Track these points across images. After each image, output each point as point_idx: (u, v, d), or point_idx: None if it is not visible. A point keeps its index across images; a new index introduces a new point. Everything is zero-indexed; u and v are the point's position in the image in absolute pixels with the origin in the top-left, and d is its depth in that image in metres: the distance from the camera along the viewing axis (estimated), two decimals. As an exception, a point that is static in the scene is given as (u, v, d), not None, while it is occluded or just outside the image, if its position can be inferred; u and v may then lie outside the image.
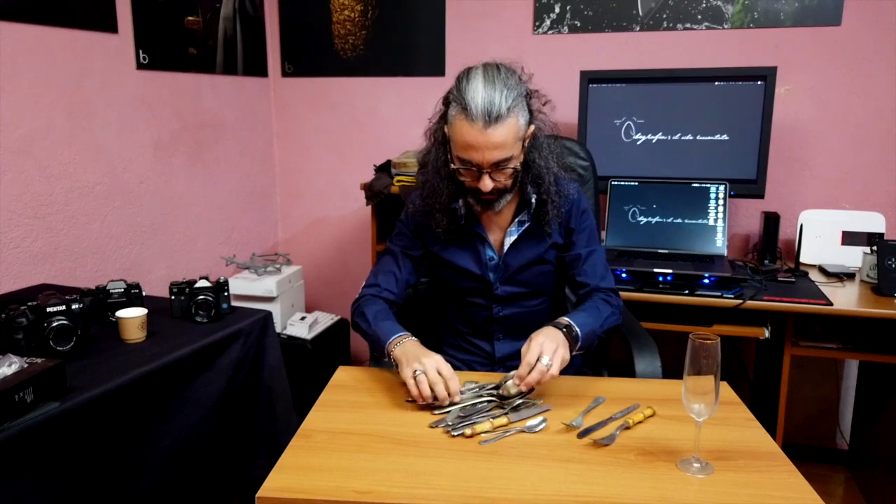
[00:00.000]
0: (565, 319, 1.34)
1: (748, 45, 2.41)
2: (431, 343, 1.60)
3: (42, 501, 1.12)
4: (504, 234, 1.50)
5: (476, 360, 1.56)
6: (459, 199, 1.48)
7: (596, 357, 1.80)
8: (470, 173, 1.36)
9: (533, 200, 1.47)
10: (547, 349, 1.23)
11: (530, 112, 1.37)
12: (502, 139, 1.29)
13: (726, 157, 2.28)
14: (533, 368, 1.21)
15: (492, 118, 1.26)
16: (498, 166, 1.33)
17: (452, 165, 1.38)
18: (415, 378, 1.21)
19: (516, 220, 1.49)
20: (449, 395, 1.21)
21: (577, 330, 1.32)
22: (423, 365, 1.22)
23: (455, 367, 1.53)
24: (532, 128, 1.39)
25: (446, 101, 1.38)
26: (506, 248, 1.50)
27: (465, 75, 1.34)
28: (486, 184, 1.34)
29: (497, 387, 1.28)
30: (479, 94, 1.27)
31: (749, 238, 2.52)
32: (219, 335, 1.56)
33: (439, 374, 1.22)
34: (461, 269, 1.52)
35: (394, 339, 1.33)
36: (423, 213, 1.52)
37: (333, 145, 2.93)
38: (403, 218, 1.57)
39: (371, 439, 1.12)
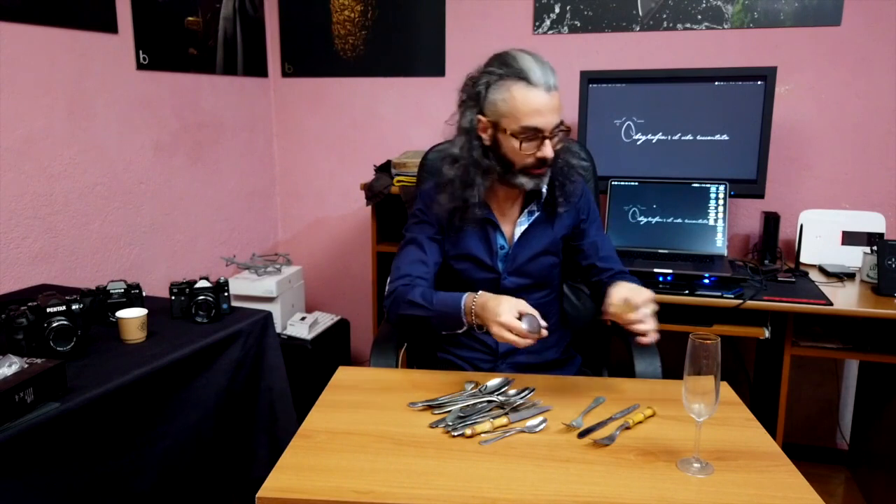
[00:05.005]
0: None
1: (748, 45, 2.41)
2: (435, 339, 1.60)
3: (42, 501, 1.12)
4: (514, 225, 1.54)
5: (478, 356, 1.56)
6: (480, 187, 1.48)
7: (596, 357, 1.80)
8: (533, 143, 1.39)
9: (544, 190, 1.50)
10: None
11: None
12: (559, 104, 1.40)
13: (726, 157, 2.28)
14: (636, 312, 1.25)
15: (550, 85, 1.37)
16: (555, 131, 1.39)
17: (514, 141, 1.39)
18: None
19: (526, 210, 1.53)
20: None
21: None
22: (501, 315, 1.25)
23: (457, 366, 1.55)
24: None
25: (475, 92, 1.42)
26: (517, 236, 1.53)
27: (506, 56, 1.40)
28: (550, 150, 1.39)
29: (496, 389, 1.28)
30: (535, 65, 1.37)
31: (749, 238, 2.52)
32: (219, 335, 1.56)
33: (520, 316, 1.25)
34: (472, 257, 1.53)
35: (466, 298, 1.33)
36: (442, 205, 1.49)
37: (333, 145, 2.93)
38: (422, 207, 1.56)
39: (371, 439, 1.12)
